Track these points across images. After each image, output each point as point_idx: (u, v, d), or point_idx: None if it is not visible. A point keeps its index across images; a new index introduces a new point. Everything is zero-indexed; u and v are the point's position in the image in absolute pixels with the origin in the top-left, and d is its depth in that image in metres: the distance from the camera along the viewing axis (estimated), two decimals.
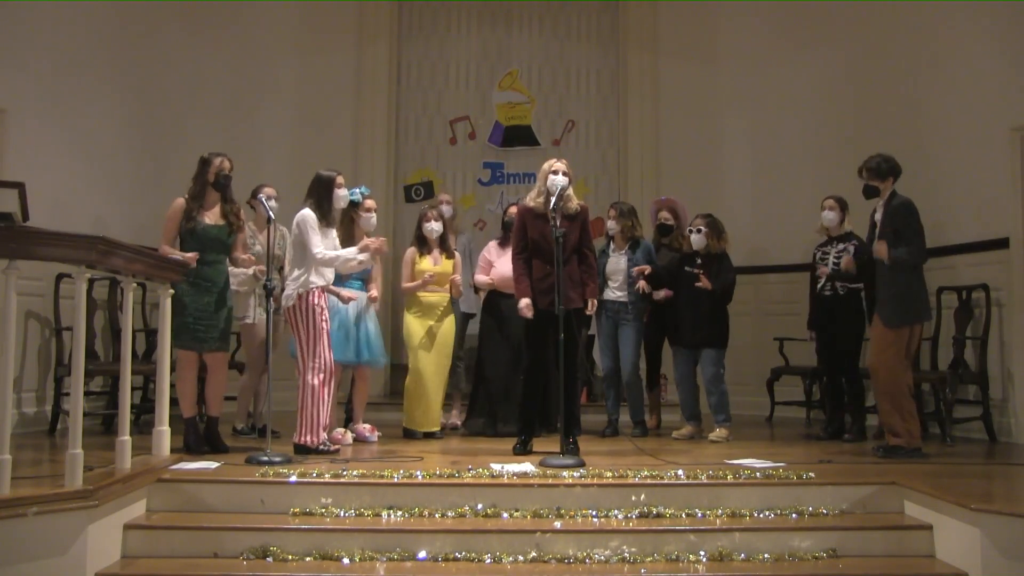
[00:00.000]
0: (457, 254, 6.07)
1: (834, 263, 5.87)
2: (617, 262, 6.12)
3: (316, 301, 4.93)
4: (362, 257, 5.10)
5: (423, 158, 8.55)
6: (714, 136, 8.32)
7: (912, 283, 5.00)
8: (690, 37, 8.37)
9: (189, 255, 4.83)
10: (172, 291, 4.69)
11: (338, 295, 5.42)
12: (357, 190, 5.57)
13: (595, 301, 5.20)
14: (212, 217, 4.99)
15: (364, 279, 5.69)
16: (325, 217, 5.04)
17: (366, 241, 5.11)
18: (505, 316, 5.93)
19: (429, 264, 5.86)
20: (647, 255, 6.16)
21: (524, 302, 5.10)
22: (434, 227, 5.89)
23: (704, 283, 5.83)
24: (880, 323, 5.03)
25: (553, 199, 4.96)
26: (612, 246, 6.20)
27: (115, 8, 6.94)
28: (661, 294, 6.08)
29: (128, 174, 7.11)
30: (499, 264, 5.99)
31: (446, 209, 6.43)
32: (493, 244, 6.20)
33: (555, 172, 5.10)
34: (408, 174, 8.48)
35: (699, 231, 5.98)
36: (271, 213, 4.96)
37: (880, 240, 5.06)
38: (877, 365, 5.04)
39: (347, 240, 5.38)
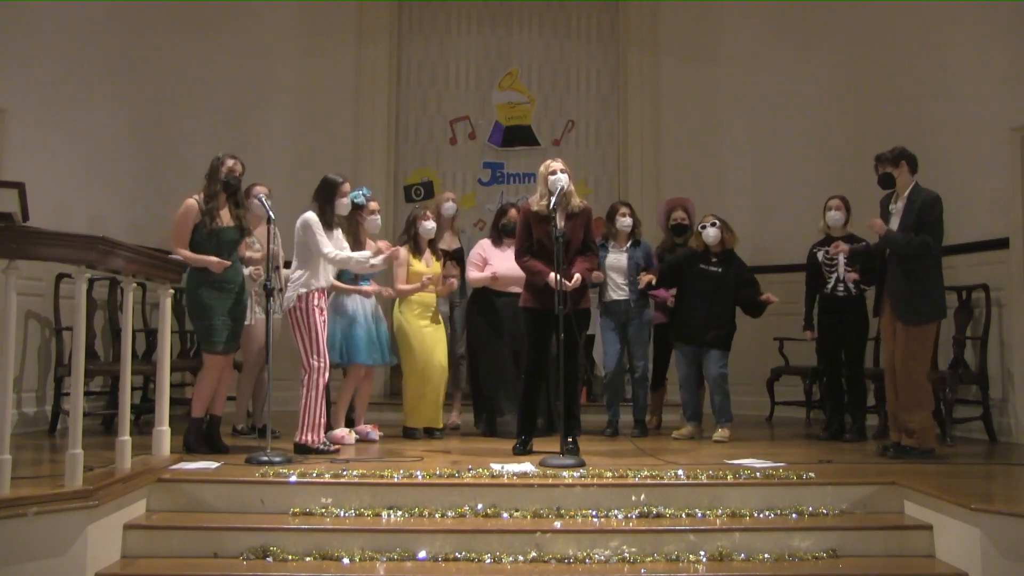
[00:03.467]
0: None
1: (847, 263, 5.84)
2: (618, 259, 6.10)
3: (317, 302, 4.94)
4: (376, 261, 5.15)
5: (423, 158, 8.55)
6: (714, 136, 8.31)
7: (932, 280, 4.96)
8: (690, 37, 8.37)
9: (215, 260, 4.82)
10: (172, 291, 4.69)
11: (361, 291, 5.54)
12: (360, 192, 5.59)
13: (579, 277, 5.02)
14: (225, 219, 4.99)
15: (368, 278, 5.73)
16: (327, 220, 5.06)
17: (385, 249, 5.16)
18: (500, 315, 5.93)
19: (423, 266, 5.86)
20: (647, 254, 6.17)
21: (551, 276, 4.92)
22: (432, 226, 5.90)
23: (769, 298, 5.83)
24: (901, 322, 4.98)
25: (554, 198, 4.97)
26: (612, 243, 6.18)
27: (115, 8, 6.94)
28: (664, 294, 6.08)
29: (128, 174, 7.11)
30: (497, 262, 5.98)
31: (450, 206, 6.42)
32: (487, 242, 6.18)
33: (553, 172, 5.11)
34: (408, 174, 8.47)
35: (714, 224, 5.95)
36: (271, 212, 4.96)
37: (876, 219, 5.04)
38: (902, 363, 4.98)
39: (352, 243, 5.39)
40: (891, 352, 5.14)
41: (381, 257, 5.18)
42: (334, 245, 5.05)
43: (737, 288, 5.90)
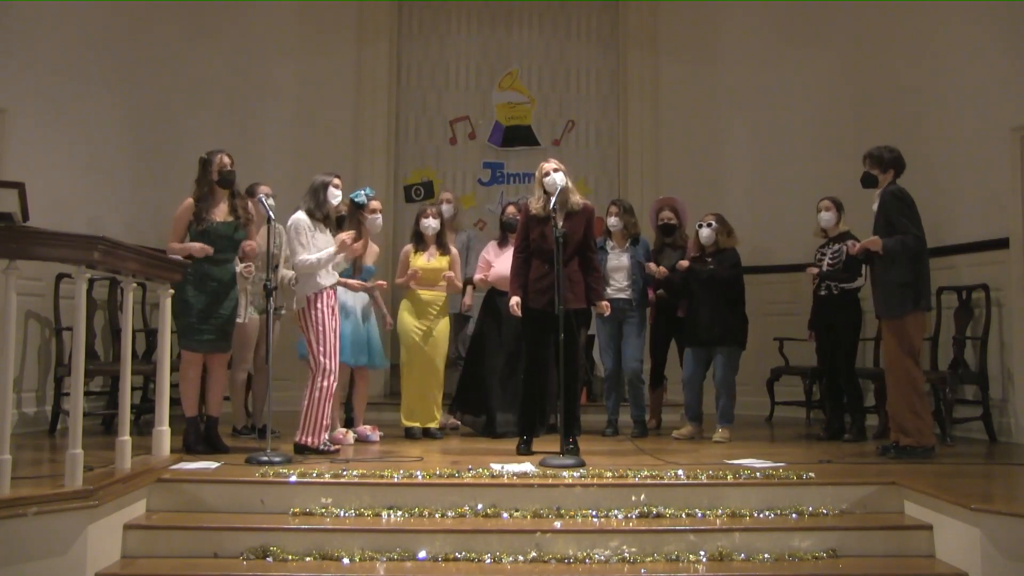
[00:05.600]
0: (454, 250, 6.06)
1: (829, 263, 5.88)
2: (618, 259, 6.11)
3: (326, 302, 4.93)
4: (340, 258, 5.08)
5: (423, 158, 8.55)
6: (714, 136, 8.32)
7: (905, 273, 4.94)
8: (690, 37, 8.37)
9: (197, 245, 4.82)
10: (172, 291, 4.69)
11: (347, 285, 5.48)
12: (362, 192, 5.58)
13: (607, 304, 5.24)
14: (220, 214, 5.00)
15: (366, 279, 5.71)
16: (323, 217, 5.04)
17: (341, 236, 5.08)
18: (503, 315, 5.92)
19: (423, 261, 5.85)
20: (646, 251, 6.18)
21: (514, 300, 5.15)
22: (431, 223, 5.89)
23: (658, 271, 5.89)
24: (880, 317, 5.02)
25: (553, 198, 4.97)
26: (611, 243, 6.19)
27: (115, 8, 6.94)
28: (660, 292, 6.11)
29: (128, 174, 7.11)
30: (497, 264, 5.99)
31: (447, 208, 6.42)
32: (492, 244, 6.21)
33: (547, 174, 5.13)
34: (408, 174, 8.48)
35: (709, 225, 5.97)
36: (271, 212, 4.96)
37: (873, 236, 5.06)
38: (885, 360, 5.01)
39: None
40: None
41: (340, 256, 5.04)
42: (325, 242, 5.01)
43: (728, 283, 5.88)
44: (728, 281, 5.87)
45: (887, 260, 4.96)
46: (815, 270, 5.93)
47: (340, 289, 5.44)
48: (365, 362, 5.66)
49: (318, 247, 4.96)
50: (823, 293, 5.93)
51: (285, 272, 5.52)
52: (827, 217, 5.96)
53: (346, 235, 5.06)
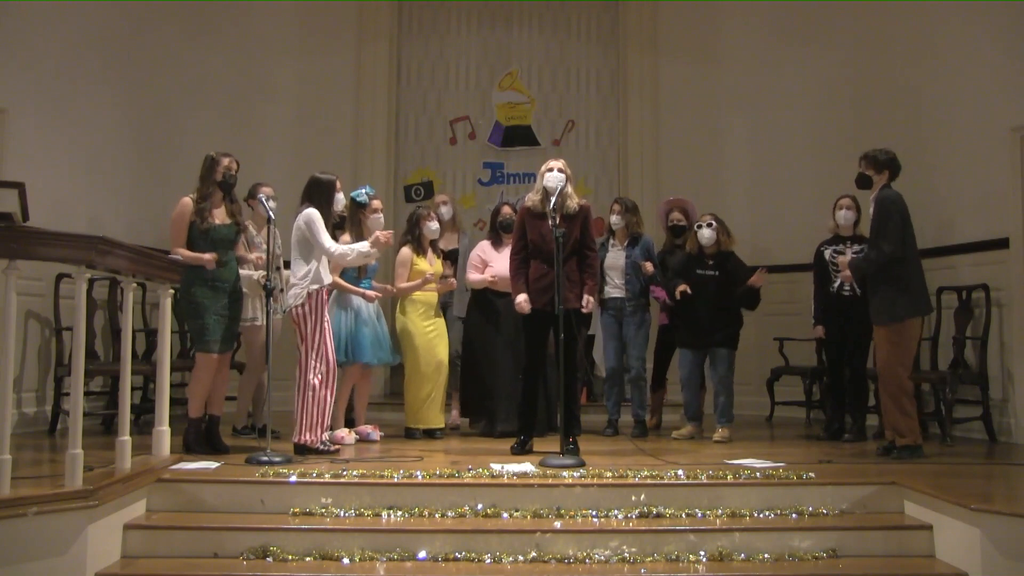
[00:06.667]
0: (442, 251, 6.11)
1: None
2: (616, 257, 6.10)
3: (321, 300, 4.94)
4: (376, 252, 5.10)
5: (423, 158, 8.55)
6: (714, 136, 8.31)
7: (900, 278, 4.93)
8: (690, 37, 8.37)
9: (208, 256, 4.83)
10: (172, 291, 4.69)
11: (364, 295, 5.52)
12: (363, 191, 5.57)
13: (591, 299, 5.18)
14: (220, 216, 5.00)
15: (371, 278, 5.73)
16: (327, 219, 5.05)
17: (377, 234, 5.10)
18: (501, 315, 5.91)
19: (426, 265, 5.86)
20: (646, 251, 6.16)
21: (521, 297, 5.12)
22: (436, 227, 5.90)
23: (758, 279, 5.81)
24: (876, 323, 5.01)
25: (553, 198, 4.96)
26: (612, 241, 6.19)
27: (115, 8, 6.94)
28: (662, 295, 6.09)
29: (128, 174, 7.11)
30: (497, 264, 5.97)
31: (446, 210, 6.42)
32: (486, 244, 6.17)
33: (550, 170, 5.11)
34: (408, 174, 8.49)
35: (709, 225, 5.95)
36: (271, 213, 4.96)
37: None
38: (884, 365, 4.99)
39: (355, 242, 5.38)
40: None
41: (375, 250, 5.05)
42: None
43: (732, 288, 5.89)
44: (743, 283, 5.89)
45: (870, 269, 4.99)
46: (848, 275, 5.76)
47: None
48: (387, 359, 5.72)
49: None
50: (847, 293, 5.87)
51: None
52: (848, 215, 5.95)
53: (381, 234, 5.02)
